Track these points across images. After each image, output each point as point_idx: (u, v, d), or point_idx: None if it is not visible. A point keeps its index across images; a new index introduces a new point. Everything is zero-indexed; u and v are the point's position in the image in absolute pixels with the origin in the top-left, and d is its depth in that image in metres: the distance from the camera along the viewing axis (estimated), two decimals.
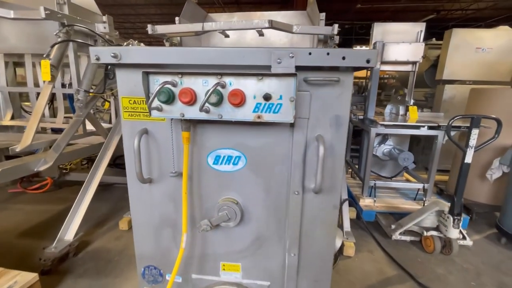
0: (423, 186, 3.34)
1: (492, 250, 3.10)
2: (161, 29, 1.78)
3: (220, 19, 2.80)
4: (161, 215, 1.21)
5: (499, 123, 2.53)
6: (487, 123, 2.85)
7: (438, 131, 3.17)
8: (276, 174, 1.08)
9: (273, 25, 1.49)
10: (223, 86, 0.87)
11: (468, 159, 2.67)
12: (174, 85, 0.89)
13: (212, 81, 0.88)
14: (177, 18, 2.13)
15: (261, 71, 0.86)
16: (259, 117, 0.88)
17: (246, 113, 0.89)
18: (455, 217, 2.72)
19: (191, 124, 1.04)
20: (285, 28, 1.61)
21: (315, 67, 0.93)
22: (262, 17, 2.68)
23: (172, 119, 1.05)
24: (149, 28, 1.80)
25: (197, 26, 1.62)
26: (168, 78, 0.89)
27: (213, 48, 0.91)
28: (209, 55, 0.90)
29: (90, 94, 2.87)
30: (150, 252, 1.26)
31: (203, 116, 0.91)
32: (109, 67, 3.63)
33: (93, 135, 3.34)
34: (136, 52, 0.95)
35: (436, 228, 2.93)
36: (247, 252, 1.19)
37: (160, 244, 1.25)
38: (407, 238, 3.04)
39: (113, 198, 4.00)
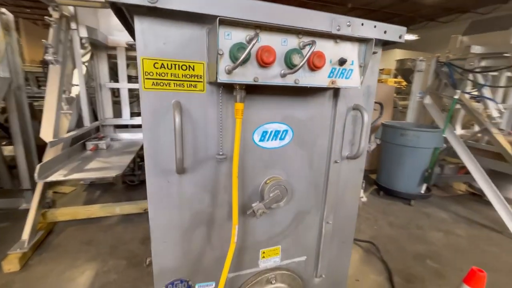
0: None
1: (377, 201, 4.25)
2: None
3: None
4: (193, 212, 0.96)
5: (381, 106, 3.42)
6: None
7: None
8: (318, 146, 1.09)
9: None
10: (303, 47, 0.79)
11: None
12: (249, 41, 0.73)
13: (292, 40, 0.78)
14: None
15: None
16: (333, 82, 0.86)
17: (322, 79, 0.85)
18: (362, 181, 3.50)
19: None
20: None
21: (352, 38, 0.99)
22: None
23: (222, 87, 0.86)
24: None
25: None
26: (243, 33, 0.73)
27: (275, 5, 0.80)
28: (282, 12, 0.79)
29: None
30: (175, 263, 0.98)
31: (278, 81, 0.80)
32: None
33: None
34: None
35: None
36: (287, 231, 1.14)
37: (190, 249, 0.99)
38: None
39: None
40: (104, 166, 2.88)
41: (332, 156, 1.10)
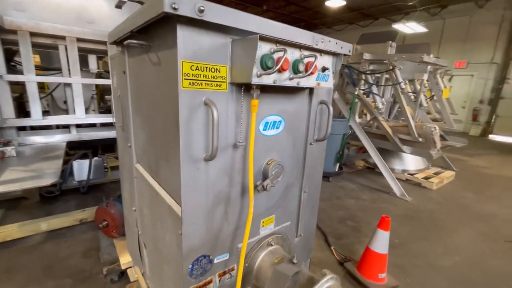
0: None
1: None
2: None
3: None
4: (216, 193, 1.11)
5: None
6: None
7: None
8: (299, 132, 1.40)
9: None
10: (303, 58, 1.07)
11: None
12: (273, 53, 0.96)
13: (296, 52, 1.04)
14: None
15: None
16: (318, 84, 1.18)
17: (312, 81, 1.15)
18: None
19: None
20: None
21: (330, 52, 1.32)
22: None
23: (244, 86, 1.04)
24: None
25: None
26: (268, 46, 0.94)
27: (281, 24, 1.06)
28: (275, 28, 1.04)
29: None
30: (200, 240, 1.11)
31: (288, 83, 1.05)
32: None
33: None
34: (222, 12, 0.87)
35: None
36: (279, 202, 1.41)
37: (212, 227, 1.14)
38: None
39: None
40: (28, 176, 2.45)
41: (308, 139, 1.44)
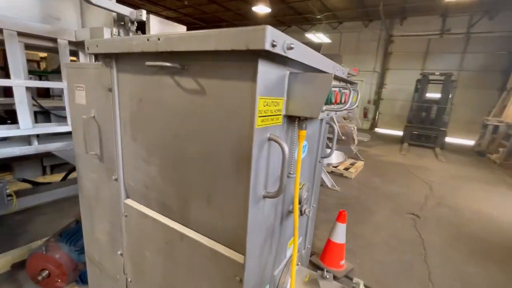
0: None
1: None
2: None
3: None
4: (266, 229, 1.06)
5: None
6: None
7: None
8: (313, 151, 1.47)
9: None
10: (341, 90, 1.14)
11: None
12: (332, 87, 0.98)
13: (337, 86, 1.10)
14: None
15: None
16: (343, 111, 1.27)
17: (342, 110, 1.23)
18: None
19: None
20: None
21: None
22: None
23: (297, 119, 1.02)
24: None
25: None
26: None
27: (321, 55, 1.10)
28: (326, 63, 1.08)
29: None
30: (254, 282, 1.03)
31: (332, 113, 1.10)
32: None
33: None
34: (300, 48, 0.84)
35: None
36: (299, 221, 1.44)
37: (262, 263, 1.07)
38: None
39: None
40: None
41: (318, 157, 1.54)
